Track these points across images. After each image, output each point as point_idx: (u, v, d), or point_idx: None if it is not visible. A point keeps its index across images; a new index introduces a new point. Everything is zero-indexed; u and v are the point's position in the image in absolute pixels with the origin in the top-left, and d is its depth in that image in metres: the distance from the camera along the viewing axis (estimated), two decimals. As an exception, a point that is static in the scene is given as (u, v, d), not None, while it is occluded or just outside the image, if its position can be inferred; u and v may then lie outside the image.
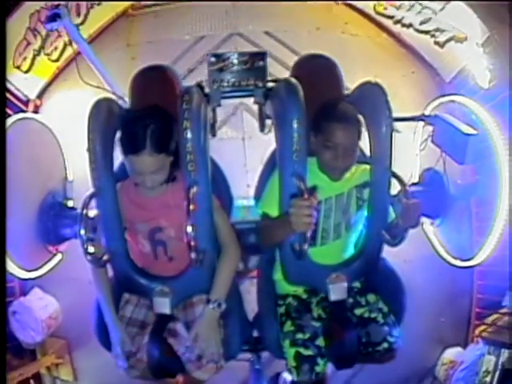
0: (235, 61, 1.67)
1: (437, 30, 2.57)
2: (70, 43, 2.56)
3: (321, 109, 1.33)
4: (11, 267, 1.73)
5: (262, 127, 1.97)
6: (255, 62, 1.68)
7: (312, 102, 1.26)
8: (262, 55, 1.69)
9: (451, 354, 2.31)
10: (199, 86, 1.42)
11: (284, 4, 2.83)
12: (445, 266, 1.97)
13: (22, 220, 1.80)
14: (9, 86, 2.43)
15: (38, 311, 2.19)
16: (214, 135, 2.06)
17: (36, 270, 1.92)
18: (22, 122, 1.90)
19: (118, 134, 1.24)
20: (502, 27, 2.21)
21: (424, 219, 2.01)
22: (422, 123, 2.04)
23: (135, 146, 1.18)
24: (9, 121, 1.81)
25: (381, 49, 2.70)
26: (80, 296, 2.11)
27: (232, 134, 2.52)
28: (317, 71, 1.53)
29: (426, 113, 1.94)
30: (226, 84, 1.69)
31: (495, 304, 2.23)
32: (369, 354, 1.36)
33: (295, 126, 1.20)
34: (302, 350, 1.31)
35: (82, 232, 1.23)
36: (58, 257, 2.05)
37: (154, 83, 1.48)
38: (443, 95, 1.99)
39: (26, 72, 2.58)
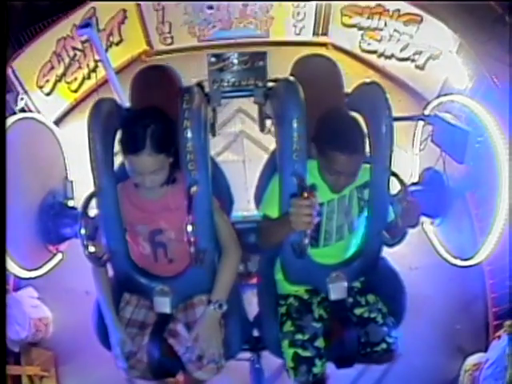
0: (235, 61, 1.68)
1: (415, 53, 2.77)
2: (89, 76, 2.78)
3: (324, 126, 1.28)
4: (11, 267, 1.73)
5: (262, 127, 1.98)
6: (255, 62, 1.68)
7: (312, 101, 1.26)
8: (261, 55, 1.69)
9: (473, 359, 2.17)
10: (199, 85, 1.42)
11: (281, 53, 2.96)
12: (453, 271, 1.95)
13: (22, 220, 1.80)
14: (29, 103, 2.50)
15: (27, 307, 2.15)
16: (214, 135, 2.07)
17: (36, 269, 1.92)
18: (21, 121, 1.91)
19: (119, 134, 1.24)
20: (469, 29, 2.48)
21: (424, 219, 2.01)
22: (421, 123, 2.04)
23: (135, 146, 1.17)
24: (9, 121, 1.81)
25: None
26: (75, 308, 2.10)
27: (233, 158, 2.68)
28: (317, 71, 1.54)
29: (426, 112, 1.95)
30: (226, 84, 1.70)
31: (510, 297, 2.19)
32: (367, 355, 1.35)
33: (295, 125, 1.20)
34: (300, 350, 1.31)
35: (83, 231, 1.23)
36: (58, 256, 2.05)
37: (155, 83, 1.48)
38: (443, 95, 1.99)
39: (48, 95, 2.67)
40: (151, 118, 1.21)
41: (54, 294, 2.27)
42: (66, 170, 2.19)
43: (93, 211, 1.30)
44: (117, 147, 1.25)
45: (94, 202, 1.30)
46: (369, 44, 2.97)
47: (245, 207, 1.90)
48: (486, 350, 2.09)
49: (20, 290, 2.24)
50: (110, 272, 1.39)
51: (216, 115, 2.01)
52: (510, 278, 1.99)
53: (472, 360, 2.15)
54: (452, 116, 1.80)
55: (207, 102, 1.48)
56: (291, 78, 1.32)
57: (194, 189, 1.21)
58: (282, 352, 1.35)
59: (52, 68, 2.63)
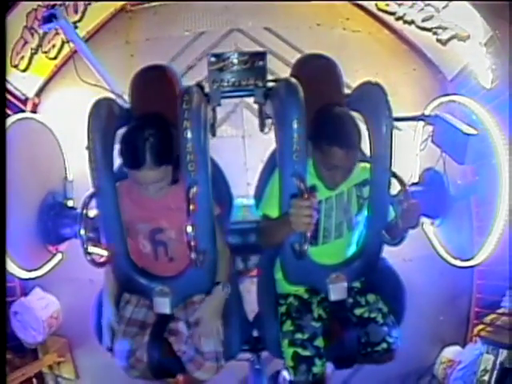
0: (235, 60, 1.67)
1: (439, 27, 2.54)
2: (68, 41, 2.51)
3: (319, 122, 1.28)
4: (11, 267, 1.73)
5: (262, 127, 1.97)
6: (255, 62, 1.68)
7: (312, 102, 1.25)
8: (261, 55, 1.69)
9: (450, 352, 2.31)
10: (199, 85, 1.42)
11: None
12: (445, 266, 1.97)
13: (22, 220, 1.80)
14: (7, 85, 2.42)
15: (39, 311, 2.20)
16: (213, 135, 2.06)
17: (36, 269, 1.92)
18: (21, 121, 1.90)
19: (119, 143, 1.23)
20: (505, 27, 2.20)
21: (424, 219, 2.01)
22: (422, 123, 2.04)
23: (135, 162, 1.17)
24: (9, 121, 1.81)
25: (382, 46, 2.66)
26: (80, 295, 2.10)
27: (232, 132, 2.49)
28: (317, 71, 1.53)
29: (426, 112, 1.94)
30: (225, 84, 1.69)
31: (494, 304, 2.24)
32: (368, 354, 1.36)
33: (295, 125, 1.20)
34: (300, 350, 1.31)
35: (82, 232, 1.23)
36: (58, 257, 2.05)
37: (154, 83, 1.48)
38: (443, 95, 1.99)
39: (24, 71, 2.56)
40: (150, 130, 1.19)
41: (59, 285, 2.28)
42: (65, 170, 2.18)
43: (93, 212, 1.30)
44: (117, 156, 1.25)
45: (93, 203, 1.30)
46: (387, 5, 2.67)
47: (244, 191, 1.83)
48: (463, 344, 2.14)
49: (29, 295, 2.26)
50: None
51: (216, 115, 2.01)
52: (510, 278, 1.99)
53: (448, 353, 2.26)
54: (452, 117, 1.80)
55: (207, 102, 1.48)
56: (291, 79, 1.32)
57: (193, 189, 1.21)
58: (282, 351, 1.35)
59: (25, 43, 2.52)
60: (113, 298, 1.38)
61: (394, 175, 1.33)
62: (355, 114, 1.46)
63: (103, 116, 1.26)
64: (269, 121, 1.83)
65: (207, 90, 1.68)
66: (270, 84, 1.65)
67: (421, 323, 2.22)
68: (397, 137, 1.30)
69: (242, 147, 2.44)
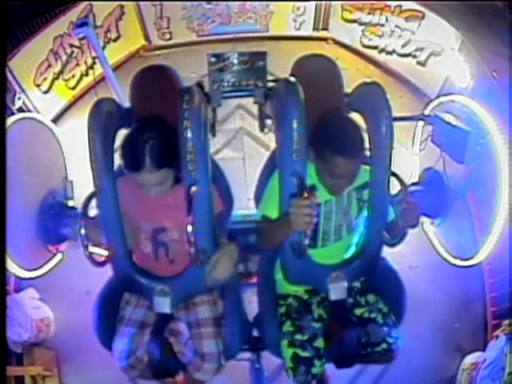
0: (235, 61, 1.68)
1: (417, 49, 2.74)
2: (87, 73, 2.76)
3: (322, 130, 1.27)
4: (11, 267, 1.73)
5: (262, 127, 1.98)
6: (255, 62, 1.68)
7: (312, 102, 1.25)
8: (261, 55, 1.69)
9: (471, 358, 2.19)
10: (199, 85, 1.42)
11: (280, 46, 3.05)
12: (453, 270, 1.95)
13: (22, 220, 1.80)
14: (27, 102, 2.49)
15: (29, 309, 2.16)
16: (214, 135, 2.07)
17: (36, 269, 1.92)
18: (21, 121, 1.90)
19: (119, 145, 1.23)
20: (471, 27, 2.46)
21: (424, 219, 2.01)
22: (421, 123, 2.04)
23: (135, 165, 1.17)
24: (9, 121, 1.81)
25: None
26: (76, 308, 2.10)
27: (233, 155, 2.66)
28: (317, 71, 1.53)
29: (426, 112, 1.95)
30: (226, 84, 1.70)
31: (510, 297, 2.18)
32: (368, 355, 1.36)
33: (295, 125, 1.20)
34: (299, 351, 1.31)
35: (82, 232, 1.23)
36: (58, 257, 2.05)
37: (154, 83, 1.48)
38: (443, 95, 1.99)
39: (45, 93, 2.65)
40: (149, 132, 1.19)
41: (54, 294, 2.27)
42: (65, 170, 2.18)
43: (93, 211, 1.30)
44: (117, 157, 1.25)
45: (94, 202, 1.30)
46: (370, 39, 2.93)
47: (245, 205, 1.90)
48: (484, 349, 2.10)
49: (21, 292, 2.24)
50: (111, 272, 1.39)
51: (216, 115, 2.01)
52: (511, 276, 1.99)
53: (470, 359, 2.16)
54: (452, 116, 1.80)
55: (207, 102, 1.48)
56: (291, 78, 1.32)
57: (193, 189, 1.21)
58: (282, 352, 1.35)
59: (49, 66, 2.61)
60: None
61: (394, 175, 1.32)
62: (355, 114, 1.47)
63: (103, 116, 1.26)
64: (269, 121, 1.83)
65: (207, 89, 1.69)
66: (270, 84, 1.66)
67: (436, 334, 2.21)
68: (397, 137, 1.30)
69: (243, 167, 2.60)
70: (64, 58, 2.67)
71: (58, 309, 2.27)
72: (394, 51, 2.87)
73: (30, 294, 2.26)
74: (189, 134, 1.19)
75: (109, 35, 2.88)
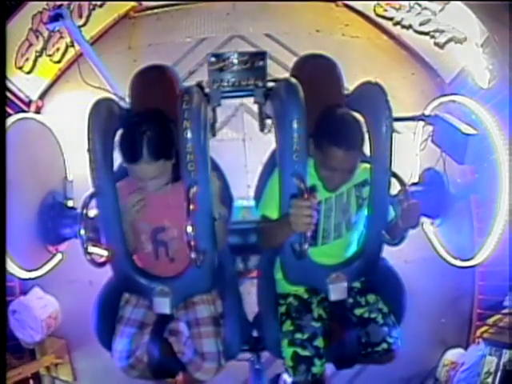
0: (235, 61, 1.67)
1: (436, 30, 2.57)
2: (72, 44, 2.58)
3: (323, 121, 1.28)
4: (11, 267, 1.73)
5: (262, 127, 1.97)
6: (255, 62, 1.68)
7: (312, 102, 1.25)
8: (261, 55, 1.69)
9: (452, 355, 2.29)
10: (199, 85, 1.42)
11: (284, 6, 2.83)
12: (446, 267, 1.96)
13: (22, 220, 1.80)
14: (11, 86, 2.42)
15: (37, 310, 2.19)
16: (213, 135, 2.06)
17: (36, 269, 1.92)
18: (21, 121, 1.90)
19: (117, 138, 1.23)
20: (501, 27, 2.22)
21: (424, 219, 2.00)
22: (421, 123, 2.03)
23: (132, 155, 1.17)
24: (9, 121, 1.80)
25: (381, 51, 2.72)
26: (80, 296, 2.11)
27: (232, 136, 2.52)
28: (317, 71, 1.53)
29: (426, 113, 1.94)
30: (226, 84, 1.69)
31: (497, 304, 2.22)
32: (368, 355, 1.36)
33: (295, 126, 1.20)
34: (299, 350, 1.31)
35: (82, 232, 1.23)
36: (58, 257, 2.05)
37: (154, 83, 1.48)
38: (443, 95, 1.99)
39: (28, 73, 2.58)
40: (148, 124, 1.20)
41: (59, 286, 2.29)
42: (65, 170, 2.18)
43: (93, 212, 1.30)
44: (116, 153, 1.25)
45: (93, 203, 1.30)
46: (385, 10, 2.72)
47: (244, 193, 1.85)
48: (466, 346, 2.13)
49: (27, 294, 2.25)
50: (111, 272, 1.39)
51: (216, 115, 2.01)
52: (510, 278, 1.99)
53: (451, 355, 2.23)
54: (453, 117, 1.80)
55: (207, 102, 1.48)
56: (291, 79, 1.32)
57: (193, 189, 1.21)
58: (282, 351, 1.35)
59: (30, 45, 2.53)
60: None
61: (394, 175, 1.32)
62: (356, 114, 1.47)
63: (103, 116, 1.26)
64: (269, 121, 1.83)
65: (207, 90, 1.68)
66: (270, 84, 1.66)
67: (422, 326, 2.22)
68: (397, 137, 1.30)
69: (243, 150, 2.47)
70: (46, 33, 2.58)
71: (63, 299, 2.30)
72: (410, 26, 2.65)
73: (35, 294, 2.28)
74: (189, 134, 1.19)
75: (94, 1, 2.74)
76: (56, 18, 2.13)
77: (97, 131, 1.23)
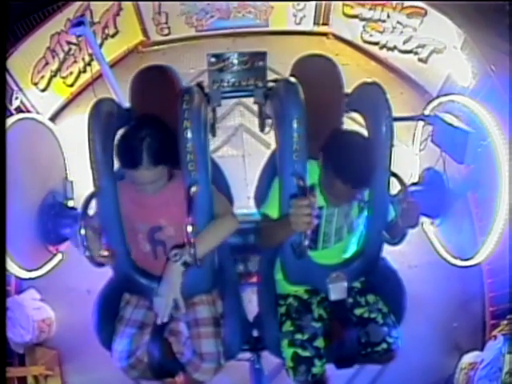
0: (235, 61, 1.68)
1: (418, 46, 2.71)
2: (85, 70, 2.73)
3: (331, 149, 1.21)
4: (11, 267, 1.73)
5: (262, 127, 1.98)
6: (255, 62, 1.68)
7: (312, 102, 1.26)
8: (261, 55, 1.69)
9: (469, 357, 2.18)
10: (199, 85, 1.42)
11: (280, 41, 3.04)
12: (452, 270, 1.95)
13: (22, 220, 1.80)
14: (25, 101, 2.47)
15: (30, 310, 2.16)
16: (213, 135, 2.07)
17: (36, 269, 1.92)
18: (21, 121, 1.90)
19: (116, 144, 1.23)
20: (474, 26, 2.40)
21: (424, 219, 2.01)
22: (421, 123, 2.04)
23: (132, 162, 1.17)
24: (9, 121, 1.81)
25: (370, 75, 2.79)
26: (77, 307, 2.10)
27: (233, 153, 2.64)
28: (317, 71, 1.54)
29: (426, 113, 1.95)
30: (226, 84, 1.70)
31: (510, 298, 2.18)
32: (368, 355, 1.36)
33: (295, 125, 1.20)
34: (299, 350, 1.31)
35: (82, 232, 1.23)
36: (58, 257, 2.05)
37: (154, 83, 1.48)
38: (443, 95, 1.99)
39: (43, 91, 2.63)
40: (147, 130, 1.19)
41: (55, 294, 2.27)
42: (65, 170, 2.18)
43: (93, 211, 1.30)
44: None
45: (93, 203, 1.30)
46: (371, 35, 2.90)
47: (245, 204, 1.88)
48: (482, 349, 2.10)
49: (22, 293, 2.24)
50: (111, 272, 1.39)
51: (216, 115, 2.01)
52: (511, 277, 1.98)
53: (468, 358, 2.17)
54: (452, 116, 1.80)
55: (207, 102, 1.48)
56: (291, 79, 1.32)
57: (193, 189, 1.21)
58: (282, 352, 1.35)
59: (46, 64, 2.59)
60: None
61: (394, 175, 1.32)
62: (356, 114, 1.47)
63: (103, 116, 1.26)
64: (269, 121, 1.83)
65: (207, 90, 1.69)
66: (270, 84, 1.66)
67: (434, 333, 2.21)
68: (397, 137, 1.30)
69: (243, 165, 2.58)
70: (61, 55, 2.64)
71: (59, 308, 2.27)
72: (395, 47, 2.83)
73: (31, 295, 2.26)
74: (189, 134, 1.19)
75: (106, 31, 2.84)
76: (78, 24, 2.19)
77: (97, 131, 1.23)
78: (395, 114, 1.30)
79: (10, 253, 1.68)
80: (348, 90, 1.50)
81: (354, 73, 2.77)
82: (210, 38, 3.09)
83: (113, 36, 2.91)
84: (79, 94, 2.84)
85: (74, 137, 2.44)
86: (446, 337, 2.25)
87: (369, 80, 1.37)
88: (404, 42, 2.77)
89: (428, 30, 2.62)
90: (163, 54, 3.08)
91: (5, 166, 1.57)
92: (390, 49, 2.87)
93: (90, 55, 2.69)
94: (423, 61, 2.72)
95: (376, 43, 2.92)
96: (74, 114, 2.77)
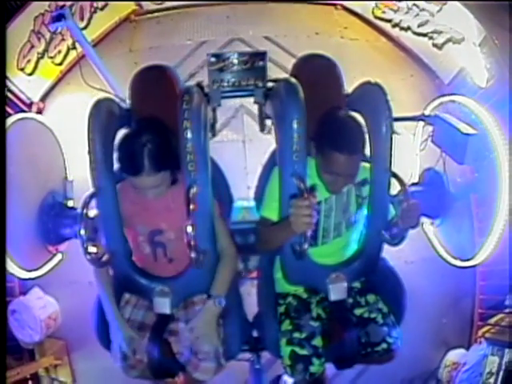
0: (235, 61, 1.68)
1: (434, 31, 2.58)
2: (74, 47, 2.58)
3: (324, 125, 1.27)
4: (11, 267, 1.73)
5: (262, 127, 1.98)
6: (255, 62, 1.68)
7: (312, 102, 1.26)
8: (261, 55, 1.69)
9: (454, 355, 2.27)
10: (199, 85, 1.42)
11: (283, 10, 2.86)
12: (446, 268, 1.96)
13: (22, 220, 1.80)
14: (12, 87, 2.42)
15: (37, 310, 2.18)
16: (214, 135, 2.06)
17: (36, 269, 1.92)
18: (21, 121, 1.90)
19: (116, 150, 1.22)
20: (498, 27, 2.25)
21: (424, 219, 2.01)
22: (421, 123, 2.04)
23: (133, 169, 1.17)
24: (9, 121, 1.81)
25: (380, 53, 2.74)
26: (80, 297, 2.11)
27: (232, 137, 2.53)
28: (317, 71, 1.54)
29: (426, 113, 1.94)
30: (226, 84, 1.70)
31: (498, 304, 2.21)
32: (368, 355, 1.36)
33: (295, 126, 1.20)
34: (297, 349, 1.31)
35: (82, 232, 1.23)
36: (58, 257, 2.05)
37: (154, 83, 1.48)
38: (443, 95, 1.99)
39: (30, 74, 2.58)
40: (148, 135, 1.19)
41: (58, 287, 2.29)
42: (65, 170, 2.18)
43: (93, 212, 1.30)
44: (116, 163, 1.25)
45: (93, 203, 1.30)
46: (383, 12, 2.75)
47: (244, 194, 1.86)
48: (468, 347, 2.13)
49: (27, 294, 2.25)
50: (110, 272, 1.39)
51: (216, 115, 2.01)
52: (510, 277, 1.99)
53: (452, 356, 2.22)
54: (452, 117, 1.80)
55: (207, 102, 1.48)
56: (291, 79, 1.32)
57: (193, 189, 1.21)
58: (280, 350, 1.35)
59: (32, 47, 2.54)
60: (115, 304, 1.34)
61: (394, 175, 1.33)
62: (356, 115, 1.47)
63: (103, 116, 1.26)
64: (269, 121, 1.83)
65: (207, 89, 1.69)
66: (270, 84, 1.66)
67: (424, 326, 2.22)
68: (397, 137, 1.30)
69: (243, 151, 2.48)
70: (48, 35, 2.58)
71: (63, 300, 2.29)
72: (409, 28, 2.68)
73: (35, 294, 2.28)
74: (189, 134, 1.19)
75: (95, 4, 2.74)
76: (58, 18, 2.14)
77: (97, 131, 1.23)
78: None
79: (9, 253, 1.68)
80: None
81: (362, 49, 2.68)
82: (207, 5, 2.91)
83: (102, 9, 2.79)
84: (69, 70, 2.75)
85: (67, 116, 2.44)
86: (435, 331, 2.28)
87: (369, 80, 1.36)
88: (419, 25, 2.62)
89: (447, 18, 2.49)
90: (157, 23, 2.95)
91: (5, 166, 1.57)
92: (403, 28, 2.70)
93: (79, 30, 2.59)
94: (438, 47, 2.59)
95: (388, 20, 2.75)
96: (65, 92, 2.72)
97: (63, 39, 2.68)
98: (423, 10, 2.56)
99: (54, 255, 2.02)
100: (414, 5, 2.58)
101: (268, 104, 1.54)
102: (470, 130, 1.69)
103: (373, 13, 2.81)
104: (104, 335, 1.36)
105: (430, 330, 2.27)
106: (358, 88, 1.42)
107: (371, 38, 2.83)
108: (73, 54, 2.68)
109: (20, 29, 2.45)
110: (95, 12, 2.78)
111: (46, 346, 2.26)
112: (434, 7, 2.51)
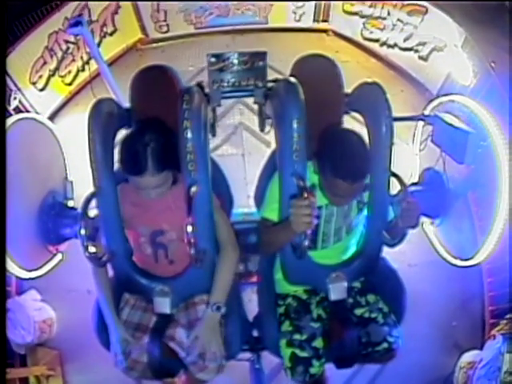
0: (235, 61, 1.68)
1: (419, 44, 2.70)
2: (83, 69, 2.70)
3: (326, 146, 1.23)
4: (11, 267, 1.73)
5: (262, 127, 1.98)
6: (255, 62, 1.68)
7: (312, 102, 1.25)
8: (261, 55, 1.69)
9: (468, 356, 2.18)
10: (199, 85, 1.42)
11: (280, 38, 3.03)
12: (451, 270, 1.95)
13: (22, 220, 1.80)
14: (24, 101, 2.46)
15: (31, 311, 2.16)
16: (213, 135, 2.07)
17: (36, 269, 1.92)
18: (22, 121, 1.90)
19: (118, 150, 1.22)
20: (475, 25, 2.42)
21: (424, 219, 2.01)
22: (421, 123, 2.04)
23: (136, 169, 1.17)
24: (9, 121, 1.81)
25: (370, 72, 2.83)
26: (77, 307, 2.10)
27: (232, 151, 2.64)
28: (317, 71, 1.53)
29: (426, 112, 1.95)
30: (226, 84, 1.70)
31: (509, 298, 2.18)
32: (369, 354, 1.36)
33: (295, 125, 1.20)
34: (297, 351, 1.31)
35: (83, 232, 1.23)
36: (58, 257, 2.05)
37: (154, 83, 1.48)
38: (443, 95, 1.99)
39: (41, 90, 2.62)
40: (150, 135, 1.19)
41: (56, 294, 2.27)
42: (65, 170, 2.18)
43: (93, 212, 1.30)
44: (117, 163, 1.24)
45: (94, 203, 1.30)
46: (371, 32, 2.89)
47: (245, 203, 1.88)
48: (481, 348, 2.10)
49: (23, 294, 2.24)
50: (110, 272, 1.39)
51: (216, 115, 2.01)
52: (511, 277, 1.98)
53: (467, 357, 2.16)
54: (452, 116, 1.80)
55: (207, 102, 1.48)
56: (291, 79, 1.32)
57: (193, 189, 1.21)
58: (280, 351, 1.35)
59: (45, 63, 2.57)
60: (113, 306, 1.34)
61: (394, 175, 1.32)
62: (356, 115, 1.47)
63: (103, 116, 1.26)
64: (269, 121, 1.83)
65: (207, 90, 1.69)
66: (270, 84, 1.66)
67: (433, 332, 2.21)
68: (397, 137, 1.30)
69: (242, 164, 2.57)
70: (59, 54, 2.63)
71: (60, 309, 2.27)
72: (395, 45, 2.82)
73: (31, 295, 2.26)
74: (189, 134, 1.19)
75: (105, 29, 2.83)
76: (76, 24, 2.18)
77: (97, 131, 1.23)
78: (395, 112, 1.29)
79: (9, 253, 1.68)
80: (348, 88, 1.49)
81: (353, 70, 2.77)
82: (209, 35, 3.08)
83: (111, 34, 2.89)
84: (78, 92, 2.82)
85: (74, 136, 2.44)
86: (446, 336, 2.24)
87: (369, 80, 1.36)
88: (404, 40, 2.75)
89: (429, 27, 2.60)
90: (162, 52, 3.07)
91: (5, 166, 1.57)
92: (390, 46, 2.86)
93: (88, 54, 2.65)
94: (424, 59, 2.71)
95: (376, 40, 2.90)
96: (73, 113, 2.76)
97: (74, 60, 2.74)
98: (407, 23, 2.69)
99: (54, 255, 2.03)
100: (398, 20, 2.71)
101: (268, 104, 1.54)
102: (470, 130, 1.69)
103: (361, 34, 2.96)
104: (104, 336, 1.36)
105: (441, 335, 2.24)
106: (358, 88, 1.42)
107: (361, 59, 2.99)
108: (82, 76, 2.77)
109: (35, 43, 2.50)
110: (104, 37, 2.86)
111: (39, 355, 2.17)
112: (417, 19, 2.63)
